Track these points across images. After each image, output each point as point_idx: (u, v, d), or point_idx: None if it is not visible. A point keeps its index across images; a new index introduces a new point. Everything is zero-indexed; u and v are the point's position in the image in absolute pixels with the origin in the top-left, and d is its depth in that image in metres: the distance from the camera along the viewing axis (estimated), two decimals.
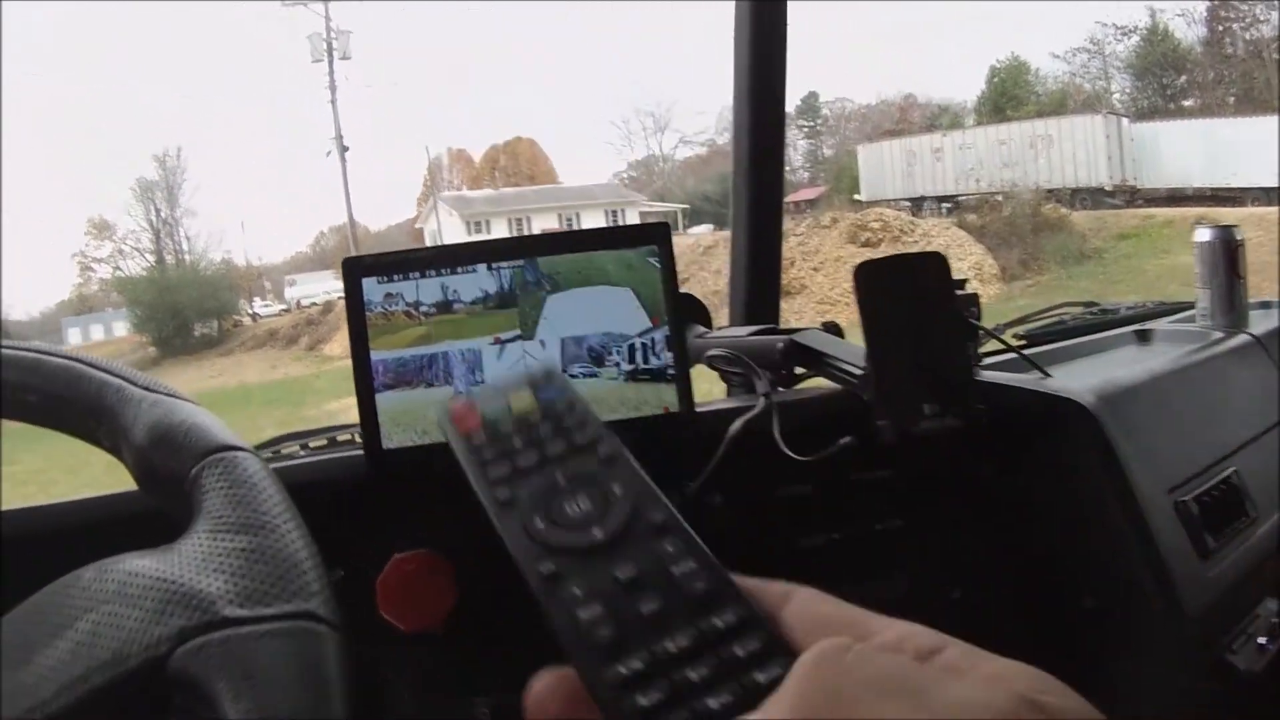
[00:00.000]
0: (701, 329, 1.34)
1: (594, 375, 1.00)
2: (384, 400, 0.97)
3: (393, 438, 0.97)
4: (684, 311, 1.07)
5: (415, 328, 0.98)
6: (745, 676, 0.29)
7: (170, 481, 0.59)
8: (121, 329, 14.83)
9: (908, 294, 1.11)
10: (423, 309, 0.98)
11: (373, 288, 0.97)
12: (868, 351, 1.06)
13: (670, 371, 1.01)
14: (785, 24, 1.47)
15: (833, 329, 1.33)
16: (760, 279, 1.58)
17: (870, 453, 1.02)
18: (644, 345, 1.00)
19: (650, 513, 0.35)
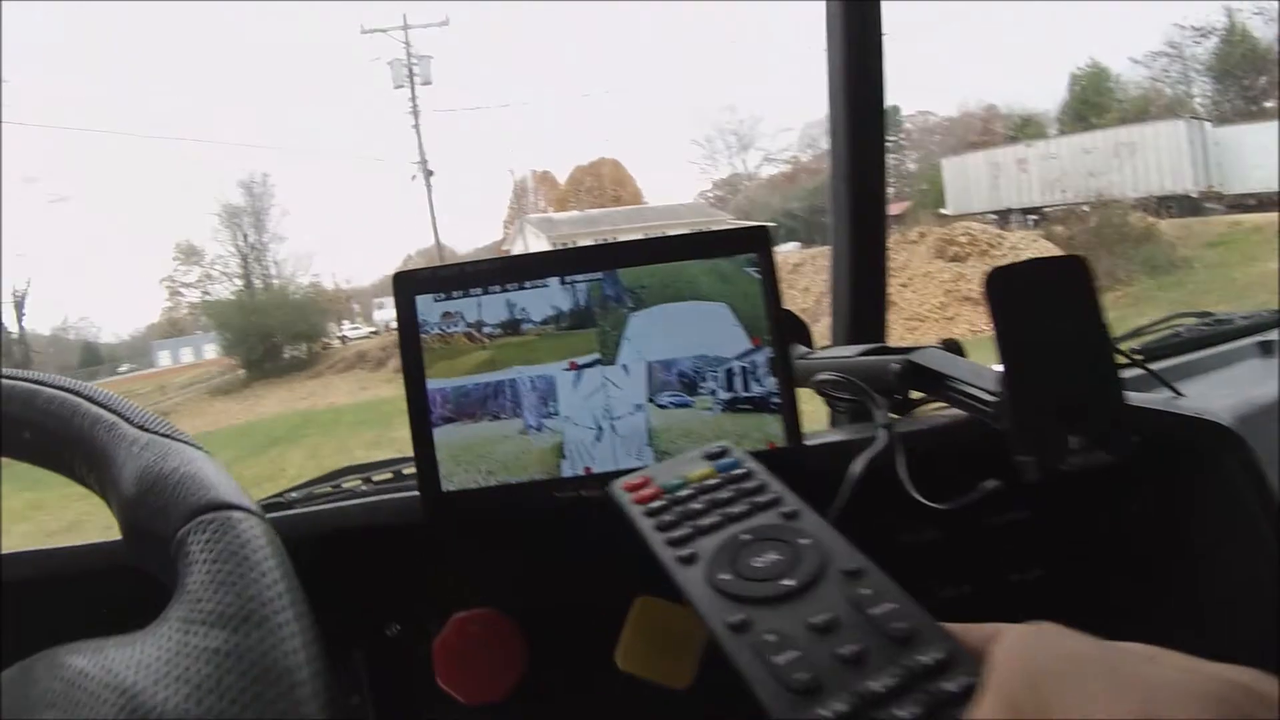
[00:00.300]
0: (803, 349, 1.18)
1: (686, 405, 0.84)
2: (443, 435, 0.84)
3: (453, 478, 0.83)
4: (787, 330, 0.91)
5: (478, 352, 0.84)
6: (957, 710, 0.28)
7: (154, 542, 0.47)
8: (211, 352, 15.38)
9: (1048, 304, 0.94)
10: (486, 330, 0.84)
11: (429, 306, 0.85)
12: (1003, 373, 0.88)
13: (775, 400, 0.84)
14: (880, 20, 1.32)
15: (953, 347, 1.16)
16: (865, 293, 1.42)
17: (1005, 492, 0.84)
18: (743, 369, 0.85)
19: (841, 560, 0.36)
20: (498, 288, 0.85)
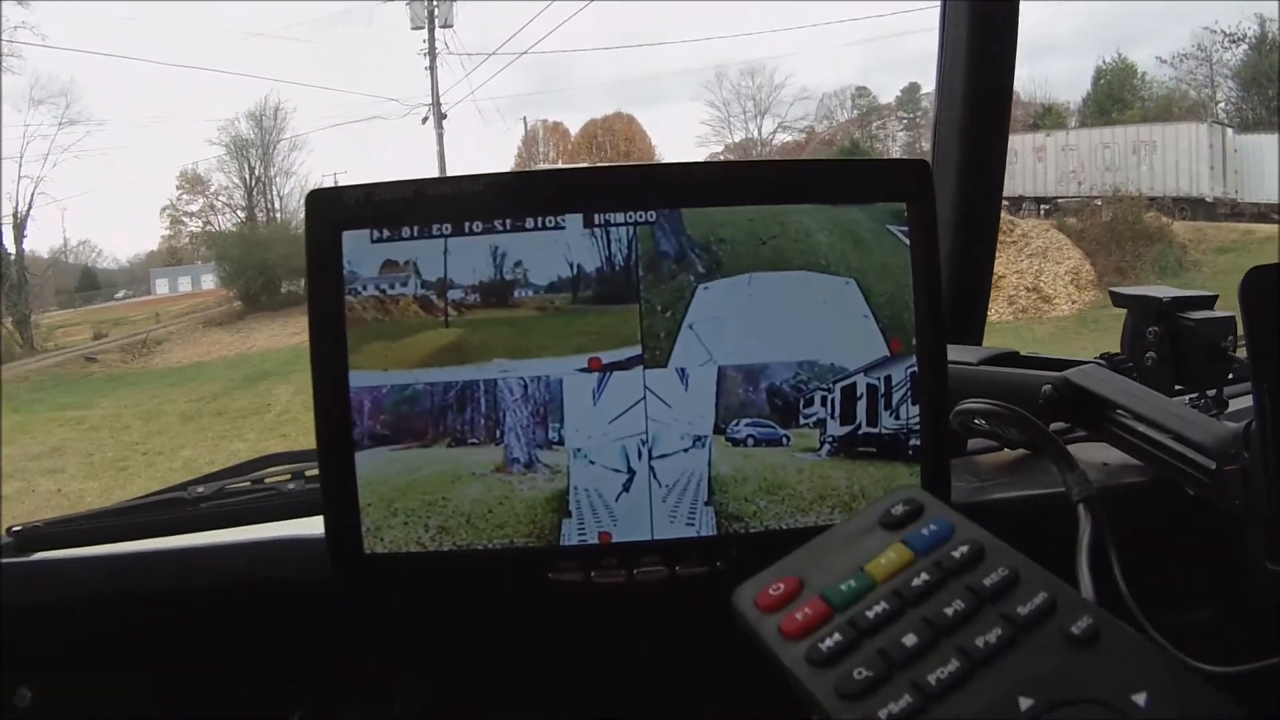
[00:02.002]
0: None
1: (776, 442, 0.53)
2: (371, 463, 0.51)
3: (382, 534, 0.50)
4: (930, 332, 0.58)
5: (437, 330, 0.51)
6: None
7: None
8: (209, 283, 15.05)
9: None
10: (454, 296, 0.51)
11: (362, 249, 0.51)
12: (1250, 425, 0.62)
13: (914, 443, 0.52)
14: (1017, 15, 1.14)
15: (1120, 366, 0.85)
16: (968, 291, 1.15)
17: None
18: (872, 389, 0.52)
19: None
20: (477, 225, 0.51)
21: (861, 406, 0.55)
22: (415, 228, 0.51)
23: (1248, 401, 0.89)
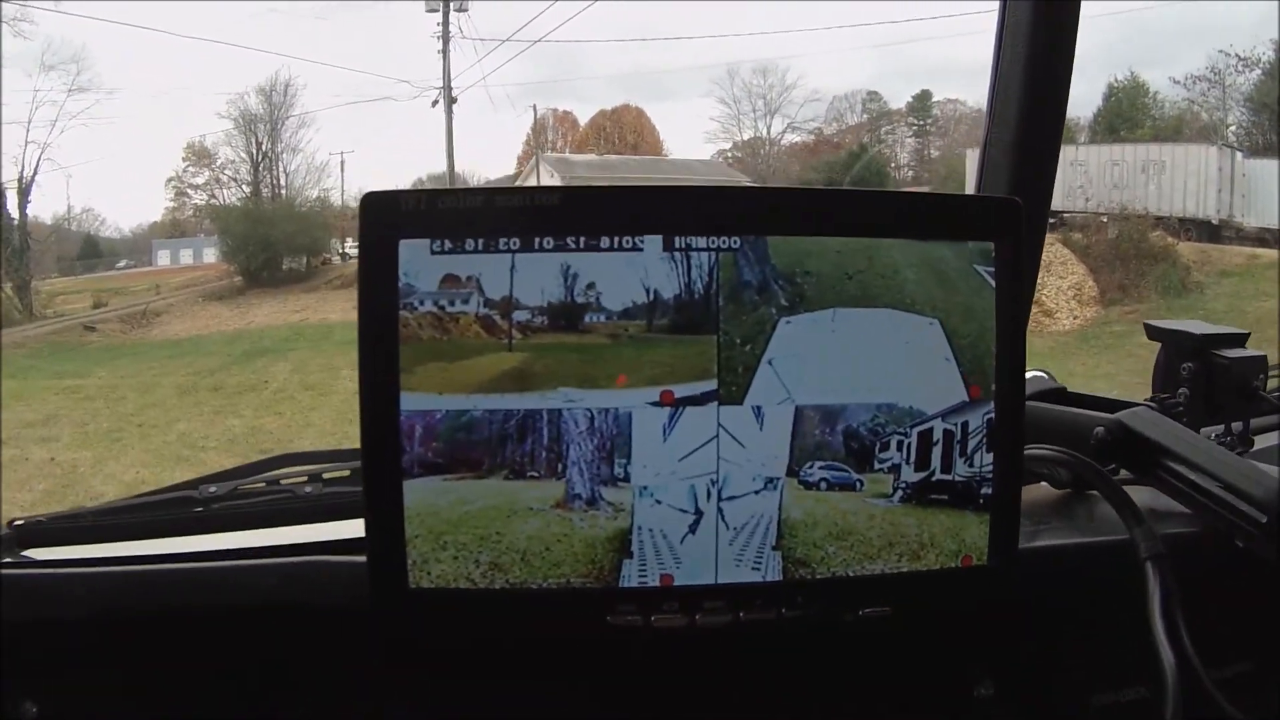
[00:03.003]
0: None
1: (850, 486, 0.50)
2: (421, 493, 0.48)
3: (430, 567, 0.47)
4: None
5: (499, 354, 0.47)
6: None
7: None
8: (211, 256, 14.96)
9: None
10: (519, 317, 0.47)
11: (420, 260, 0.47)
12: None
13: (985, 491, 0.51)
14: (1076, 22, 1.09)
15: (1171, 409, 0.83)
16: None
17: None
18: (948, 434, 0.49)
19: None
20: (548, 242, 0.47)
21: (937, 453, 0.52)
22: (480, 240, 0.47)
23: (1274, 439, 0.87)
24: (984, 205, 0.53)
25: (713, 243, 0.48)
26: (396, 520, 0.48)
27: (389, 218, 0.48)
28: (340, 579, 0.57)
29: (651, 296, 0.48)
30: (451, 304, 0.48)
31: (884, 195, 0.53)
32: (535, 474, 0.48)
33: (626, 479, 0.48)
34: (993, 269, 0.51)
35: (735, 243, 0.48)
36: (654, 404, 0.48)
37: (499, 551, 0.48)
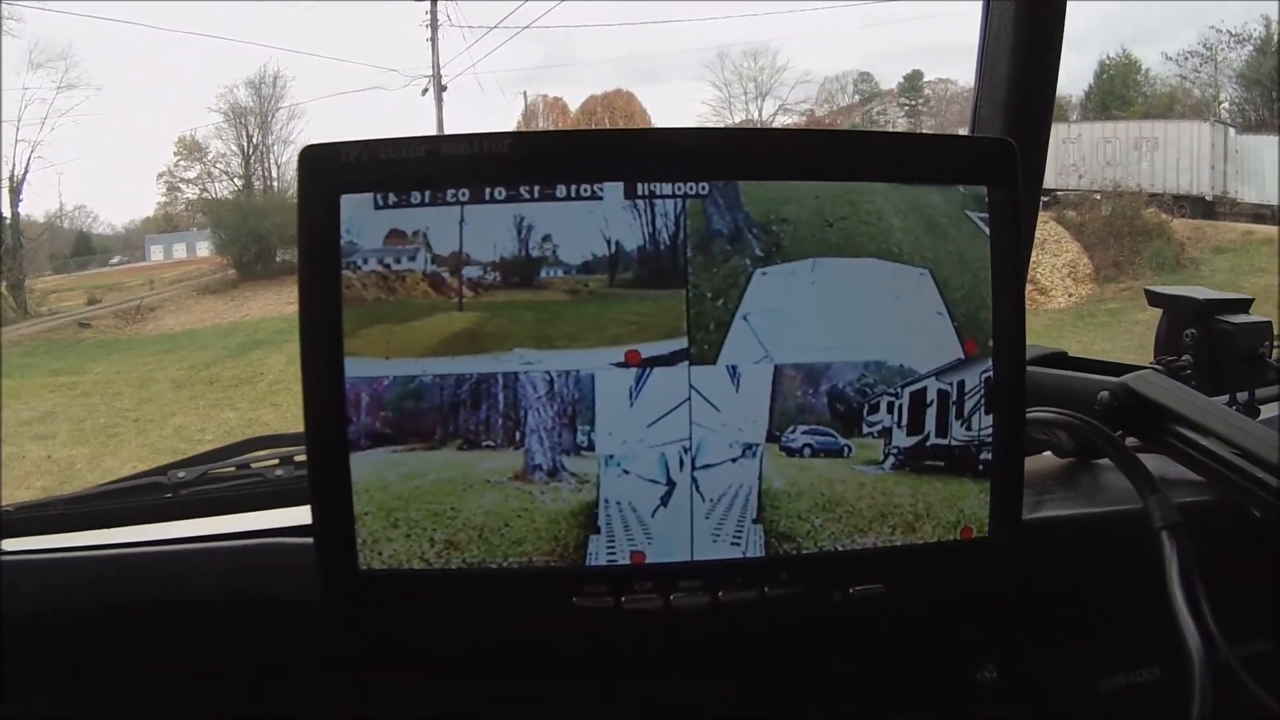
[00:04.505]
0: None
1: (837, 452, 0.47)
2: (369, 466, 0.44)
3: (381, 547, 0.43)
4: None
5: (449, 313, 0.44)
6: None
7: None
8: (204, 250, 14.94)
9: None
10: (470, 274, 0.44)
11: (363, 215, 0.44)
12: None
13: (985, 456, 0.47)
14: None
15: (1178, 373, 0.80)
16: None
17: None
18: (943, 395, 0.45)
19: None
20: (500, 192, 0.43)
21: (931, 414, 0.48)
22: (427, 193, 0.44)
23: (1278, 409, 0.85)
24: (975, 146, 0.49)
25: (679, 189, 0.44)
26: (344, 497, 0.44)
27: (330, 171, 0.44)
28: (294, 562, 0.54)
29: (613, 249, 0.44)
30: (397, 261, 0.44)
31: (866, 135, 0.50)
32: (491, 443, 0.44)
33: (590, 447, 0.45)
34: (986, 215, 0.48)
35: (704, 188, 0.44)
36: (618, 365, 0.44)
37: (454, 529, 0.45)
